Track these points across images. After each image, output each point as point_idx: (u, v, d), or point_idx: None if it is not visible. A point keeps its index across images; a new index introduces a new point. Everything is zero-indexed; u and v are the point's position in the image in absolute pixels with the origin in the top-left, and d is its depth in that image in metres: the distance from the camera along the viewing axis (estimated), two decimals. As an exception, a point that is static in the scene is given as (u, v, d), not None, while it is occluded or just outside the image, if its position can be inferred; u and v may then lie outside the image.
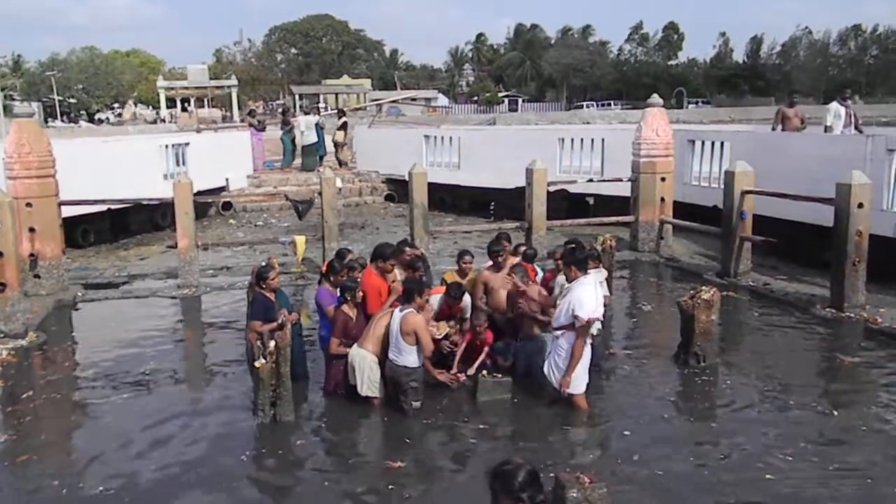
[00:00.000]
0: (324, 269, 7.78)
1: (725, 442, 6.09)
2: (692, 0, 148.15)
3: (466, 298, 7.63)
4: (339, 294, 7.20)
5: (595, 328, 7.15)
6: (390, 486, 5.48)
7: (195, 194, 11.86)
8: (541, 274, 8.16)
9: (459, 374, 7.22)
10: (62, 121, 59.01)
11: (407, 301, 6.56)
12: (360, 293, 7.03)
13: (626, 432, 6.29)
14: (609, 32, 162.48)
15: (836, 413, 6.50)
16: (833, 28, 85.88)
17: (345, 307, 6.95)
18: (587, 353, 6.53)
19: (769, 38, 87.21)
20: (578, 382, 6.53)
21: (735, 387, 7.26)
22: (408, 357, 6.45)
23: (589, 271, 7.11)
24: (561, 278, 7.34)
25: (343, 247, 9.58)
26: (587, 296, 6.38)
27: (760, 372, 7.60)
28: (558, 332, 6.57)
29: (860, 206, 9.25)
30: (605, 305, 7.08)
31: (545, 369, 6.70)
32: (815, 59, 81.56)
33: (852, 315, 9.20)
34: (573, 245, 7.85)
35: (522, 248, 8.59)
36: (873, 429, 6.23)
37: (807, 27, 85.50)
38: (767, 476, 5.44)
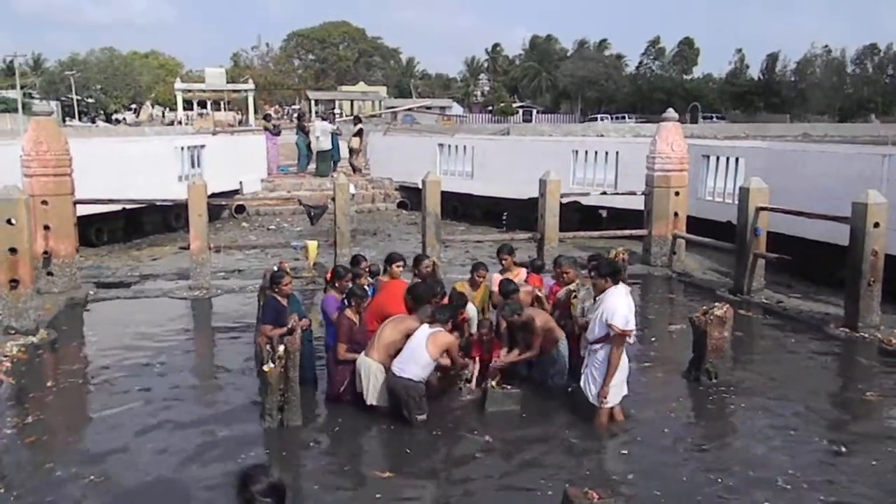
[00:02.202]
0: (328, 276, 7.72)
1: (727, 464, 5.97)
2: (709, 16, 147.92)
3: (472, 310, 7.62)
4: (344, 298, 7.17)
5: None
6: (377, 496, 5.46)
7: (209, 196, 11.91)
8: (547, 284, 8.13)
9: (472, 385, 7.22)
10: (80, 120, 59.50)
11: (437, 322, 6.64)
12: (366, 304, 7.04)
13: (624, 451, 6.23)
14: (625, 46, 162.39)
15: (843, 449, 6.18)
16: (850, 46, 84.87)
17: (348, 312, 6.92)
18: (624, 364, 6.49)
19: (785, 56, 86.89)
20: (615, 394, 6.48)
21: (745, 406, 7.15)
22: (414, 370, 6.40)
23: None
24: (582, 292, 7.31)
25: (355, 253, 9.58)
26: (620, 304, 6.33)
27: (772, 392, 7.51)
28: (596, 346, 6.48)
29: (876, 225, 9.18)
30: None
31: (581, 383, 6.62)
32: (831, 77, 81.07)
33: (866, 335, 9.10)
34: (596, 258, 7.82)
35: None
36: (884, 455, 6.11)
37: (826, 45, 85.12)
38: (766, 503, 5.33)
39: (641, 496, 5.43)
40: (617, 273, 6.62)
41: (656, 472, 5.82)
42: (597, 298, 6.73)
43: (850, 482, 5.65)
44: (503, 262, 8.17)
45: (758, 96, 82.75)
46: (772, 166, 12.85)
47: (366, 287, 7.38)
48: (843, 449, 6.08)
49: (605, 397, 6.41)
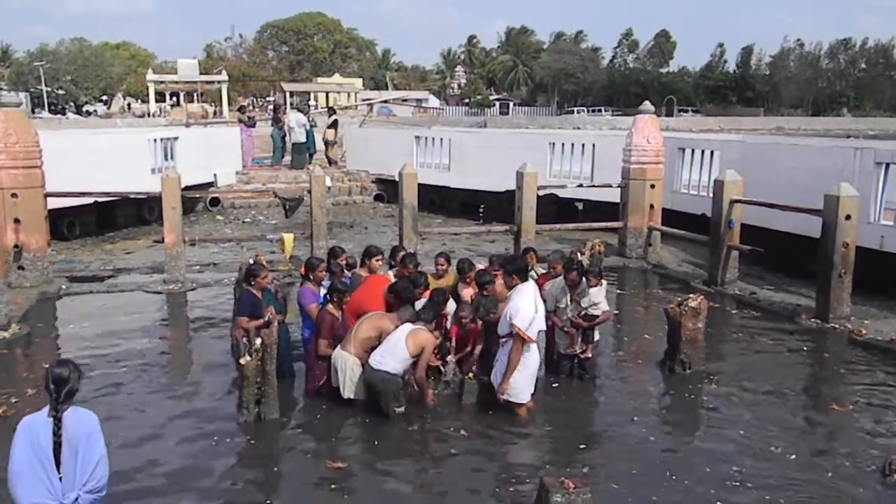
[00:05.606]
0: (303, 270, 7.65)
1: (689, 458, 6.01)
2: (688, 10, 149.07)
3: (452, 307, 7.60)
4: (325, 294, 7.12)
5: (596, 336, 7.35)
6: (332, 486, 5.49)
7: (183, 189, 11.78)
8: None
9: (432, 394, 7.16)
10: (49, 112, 58.47)
11: (420, 321, 6.63)
12: (348, 298, 6.99)
13: (596, 441, 6.28)
14: (602, 38, 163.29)
15: (793, 457, 6.05)
16: (825, 40, 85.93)
17: (329, 307, 6.89)
18: (533, 361, 6.57)
19: (759, 50, 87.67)
20: (520, 391, 6.54)
21: (716, 398, 7.24)
22: (392, 364, 6.40)
23: (590, 290, 7.23)
24: (559, 281, 7.34)
25: (332, 246, 9.51)
26: (525, 303, 6.42)
27: (743, 383, 7.58)
28: (503, 340, 6.60)
29: (847, 217, 9.33)
30: (603, 321, 7.44)
31: (492, 377, 6.72)
32: (804, 71, 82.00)
33: (837, 326, 9.26)
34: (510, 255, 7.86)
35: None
36: (851, 444, 6.21)
37: (798, 39, 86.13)
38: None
39: (603, 484, 5.46)
40: (524, 270, 6.72)
41: (622, 462, 5.87)
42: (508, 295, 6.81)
43: (818, 464, 5.74)
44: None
45: (731, 90, 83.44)
46: (746, 159, 13.01)
47: (346, 282, 7.34)
48: (793, 457, 6.06)
49: (503, 392, 6.49)
